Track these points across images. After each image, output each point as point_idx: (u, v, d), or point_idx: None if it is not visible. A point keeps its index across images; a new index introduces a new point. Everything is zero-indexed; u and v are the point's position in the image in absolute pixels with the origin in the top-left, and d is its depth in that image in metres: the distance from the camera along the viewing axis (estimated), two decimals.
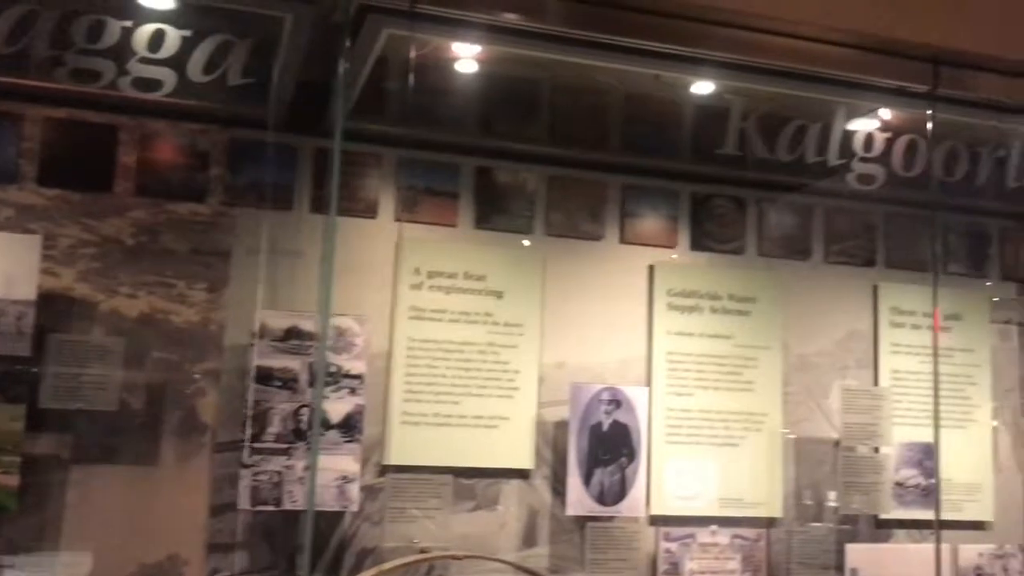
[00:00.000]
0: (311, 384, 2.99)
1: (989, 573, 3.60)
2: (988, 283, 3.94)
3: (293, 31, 2.44)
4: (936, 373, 3.25)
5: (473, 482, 3.20)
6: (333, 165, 2.53)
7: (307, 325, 3.00)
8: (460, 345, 3.23)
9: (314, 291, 2.99)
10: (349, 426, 3.01)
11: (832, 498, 3.52)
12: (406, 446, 3.12)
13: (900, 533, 3.66)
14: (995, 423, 3.86)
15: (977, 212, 3.86)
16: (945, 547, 3.61)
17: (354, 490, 3.00)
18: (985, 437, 3.81)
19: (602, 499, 3.25)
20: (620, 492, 3.27)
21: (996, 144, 3.47)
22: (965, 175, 3.46)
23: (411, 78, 2.49)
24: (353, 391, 3.04)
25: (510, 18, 2.44)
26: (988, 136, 3.41)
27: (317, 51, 2.63)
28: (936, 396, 3.26)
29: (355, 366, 3.05)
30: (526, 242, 3.40)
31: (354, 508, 3.01)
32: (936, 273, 3.34)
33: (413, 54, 2.46)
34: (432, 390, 3.18)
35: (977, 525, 3.76)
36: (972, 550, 3.62)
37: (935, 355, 3.32)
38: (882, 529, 3.62)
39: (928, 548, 3.61)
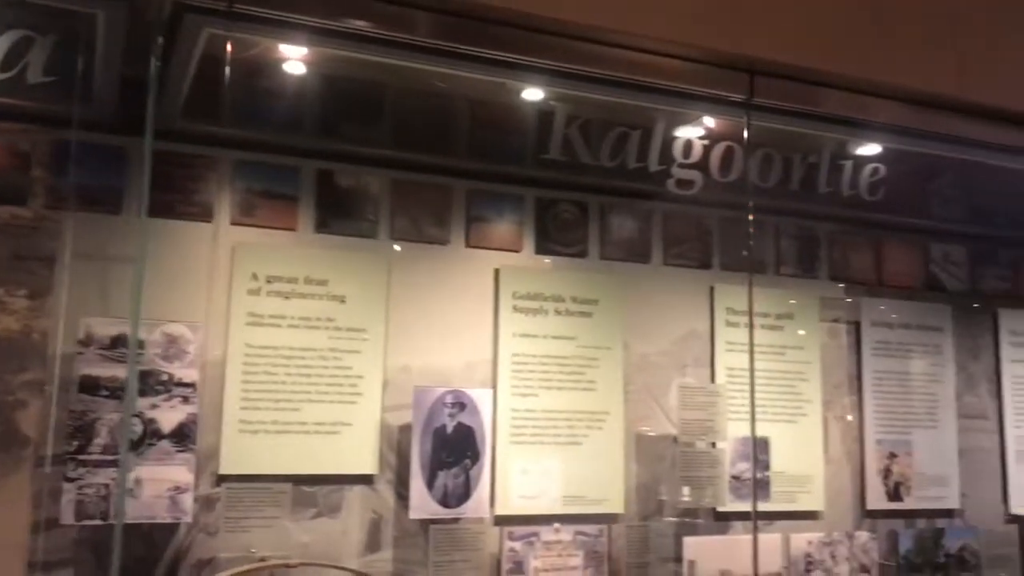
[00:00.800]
0: (142, 393, 2.91)
1: (818, 559, 3.78)
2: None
3: (108, 28, 2.36)
4: (752, 370, 3.41)
5: (315, 489, 3.17)
6: (145, 166, 2.46)
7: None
8: (300, 351, 3.19)
9: (143, 297, 2.90)
10: (182, 435, 2.94)
11: (672, 493, 3.63)
12: (243, 455, 3.06)
13: (737, 525, 3.80)
14: (850, 417, 4.07)
15: (802, 216, 4.07)
16: (777, 536, 3.79)
17: (187, 501, 2.93)
18: (816, 431, 4.01)
19: (446, 501, 3.26)
20: (464, 494, 3.30)
21: (807, 151, 3.66)
22: (781, 180, 3.64)
23: (227, 77, 2.45)
24: (186, 399, 2.97)
25: (336, 21, 2.43)
26: (804, 144, 3.60)
27: (141, 49, 2.55)
28: (752, 391, 3.42)
29: (188, 374, 2.98)
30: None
31: (188, 519, 2.94)
32: (751, 272, 3.50)
33: (229, 53, 2.41)
34: (271, 397, 3.13)
35: (809, 515, 3.95)
36: (803, 538, 3.79)
37: (751, 352, 3.48)
38: (720, 521, 3.76)
39: (762, 537, 3.78)
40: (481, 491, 3.33)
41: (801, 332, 4.02)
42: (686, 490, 3.64)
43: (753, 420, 3.43)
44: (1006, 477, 4.38)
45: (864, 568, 3.85)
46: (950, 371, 4.33)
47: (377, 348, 3.30)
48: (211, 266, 3.11)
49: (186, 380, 2.97)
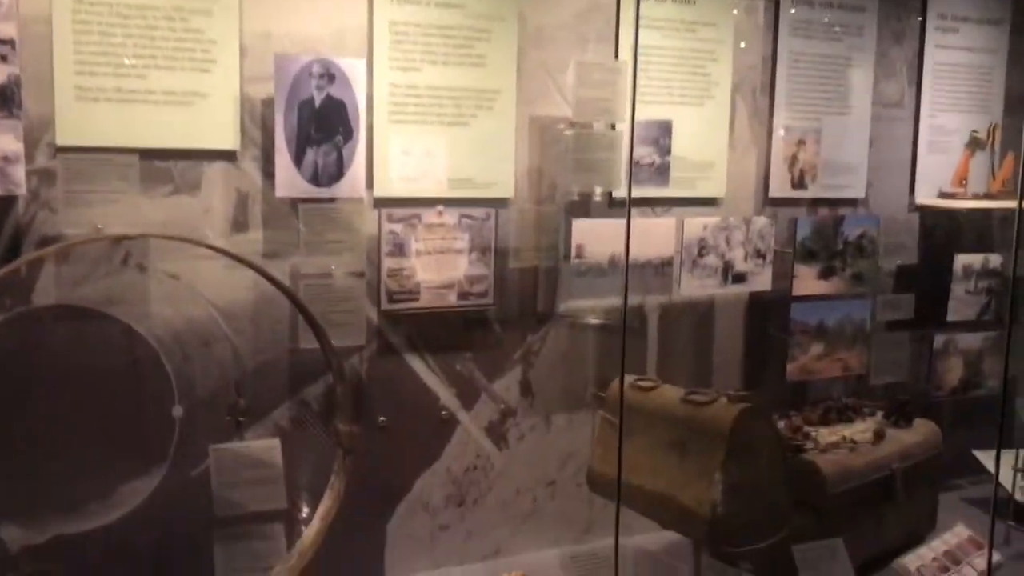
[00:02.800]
0: None
1: (712, 244, 3.71)
2: None
3: None
4: (636, 45, 3.18)
5: (169, 164, 2.92)
6: None
7: None
8: (140, 10, 2.81)
9: None
10: (4, 99, 2.62)
11: (565, 177, 3.46)
12: (82, 125, 2.77)
13: (633, 211, 3.68)
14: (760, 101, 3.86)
15: None
16: (672, 220, 3.69)
17: (19, 172, 2.67)
18: (723, 115, 3.80)
19: (317, 180, 3.05)
20: (337, 173, 3.08)
21: None
22: None
23: None
24: (4, 59, 2.62)
25: None
26: None
27: None
28: (635, 66, 3.22)
29: (3, 29, 2.61)
30: None
31: (21, 191, 2.69)
32: None
33: None
34: (110, 62, 2.79)
35: (709, 202, 3.84)
36: (698, 223, 3.70)
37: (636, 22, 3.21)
38: (615, 207, 3.63)
39: (655, 222, 3.69)
40: (356, 171, 3.11)
41: (694, 5, 3.70)
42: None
43: (634, 100, 3.16)
44: (915, 167, 4.29)
45: (759, 254, 3.80)
46: (870, 55, 4.09)
47: (231, 9, 2.92)
48: None
49: (2, 36, 2.60)
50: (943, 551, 3.50)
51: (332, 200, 3.11)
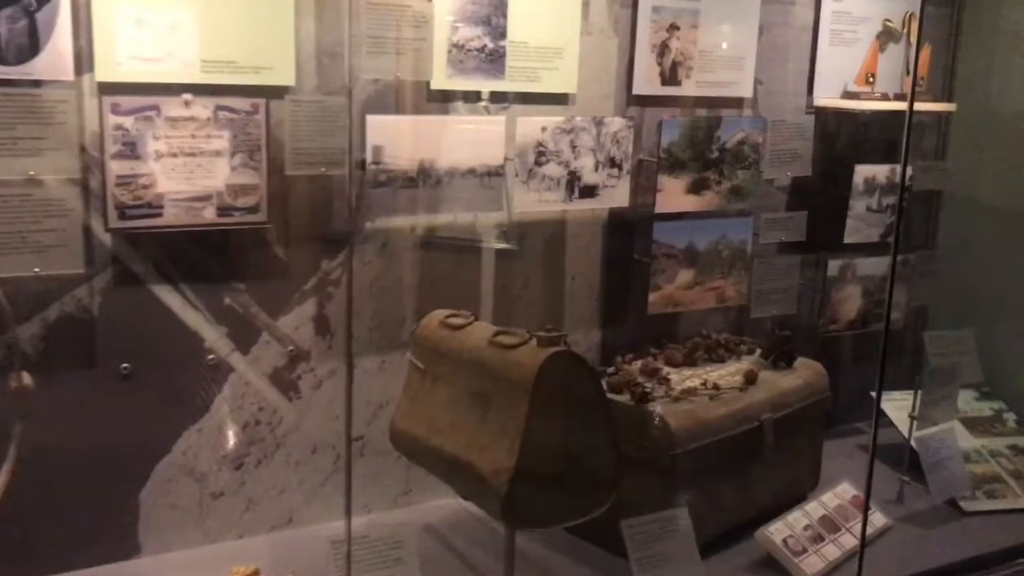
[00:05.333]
0: None
1: (553, 150, 3.04)
2: None
3: None
4: None
5: None
6: None
7: None
8: None
9: None
10: None
11: (358, 57, 2.76)
12: None
13: (459, 106, 3.00)
14: None
15: None
16: (501, 119, 3.01)
17: None
18: None
19: (1, 58, 2.32)
20: (29, 47, 2.35)
21: None
22: None
23: None
24: None
25: None
26: None
27: None
28: None
29: None
30: None
31: None
32: None
33: None
34: None
35: (557, 98, 3.15)
36: (534, 125, 3.02)
37: None
38: (435, 102, 2.94)
39: (484, 121, 3.01)
40: (59, 44, 2.38)
41: None
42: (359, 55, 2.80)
43: None
44: (814, 61, 3.62)
45: (613, 162, 3.14)
46: None
47: None
48: None
49: None
50: (819, 516, 2.94)
51: (38, 84, 2.38)
